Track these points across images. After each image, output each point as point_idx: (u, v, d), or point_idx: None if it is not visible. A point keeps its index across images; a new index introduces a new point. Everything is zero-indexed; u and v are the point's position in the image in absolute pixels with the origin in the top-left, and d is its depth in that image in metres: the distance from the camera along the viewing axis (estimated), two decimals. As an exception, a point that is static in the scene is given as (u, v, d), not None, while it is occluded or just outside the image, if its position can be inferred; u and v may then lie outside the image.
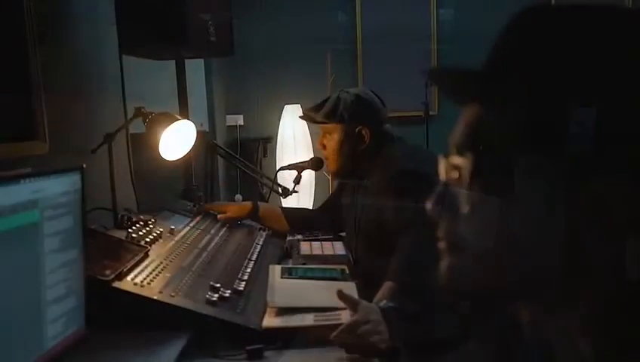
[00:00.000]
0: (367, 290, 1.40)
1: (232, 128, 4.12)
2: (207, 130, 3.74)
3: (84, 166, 1.00)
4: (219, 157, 2.47)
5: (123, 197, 1.92)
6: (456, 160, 0.51)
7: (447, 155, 0.54)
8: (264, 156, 4.12)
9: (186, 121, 1.69)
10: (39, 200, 0.86)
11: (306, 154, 3.80)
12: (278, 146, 3.96)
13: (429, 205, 0.53)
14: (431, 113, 3.61)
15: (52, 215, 0.90)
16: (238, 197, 3.94)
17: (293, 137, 3.86)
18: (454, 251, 0.52)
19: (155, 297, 1.16)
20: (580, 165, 0.44)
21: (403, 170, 1.50)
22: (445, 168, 0.53)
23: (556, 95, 0.45)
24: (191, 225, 1.70)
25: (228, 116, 4.14)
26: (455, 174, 0.51)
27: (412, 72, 3.67)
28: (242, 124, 4.12)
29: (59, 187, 0.92)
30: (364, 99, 1.66)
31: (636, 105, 0.44)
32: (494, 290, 0.52)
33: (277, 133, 3.97)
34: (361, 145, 1.66)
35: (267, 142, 4.12)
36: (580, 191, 0.45)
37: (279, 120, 3.94)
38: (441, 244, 0.53)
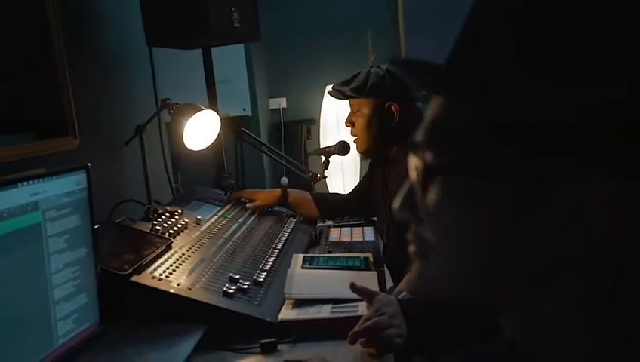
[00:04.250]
0: (399, 278, 1.36)
1: (276, 111, 4.13)
2: (250, 114, 3.76)
3: (89, 164, 1.01)
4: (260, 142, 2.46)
5: (158, 188, 1.96)
6: (416, 159, 0.47)
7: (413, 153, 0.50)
8: (308, 138, 4.10)
9: (208, 111, 1.68)
10: (40, 202, 0.88)
11: (350, 134, 3.74)
12: (321, 128, 3.93)
13: (395, 205, 0.49)
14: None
15: (55, 215, 0.91)
16: (284, 180, 3.95)
17: (336, 118, 3.81)
18: (421, 256, 0.48)
19: (171, 291, 1.16)
20: (548, 164, 0.39)
21: None
22: (411, 167, 0.49)
23: (520, 89, 0.40)
24: (219, 214, 1.70)
25: (271, 100, 4.14)
26: (416, 174, 0.47)
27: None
28: (285, 106, 4.11)
29: (61, 188, 0.93)
30: (396, 75, 1.59)
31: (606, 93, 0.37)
32: (466, 297, 0.48)
33: (320, 115, 3.93)
34: (391, 123, 1.59)
35: (311, 125, 4.09)
36: (549, 191, 0.39)
37: (322, 101, 3.90)
38: (411, 248, 0.49)
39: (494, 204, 0.41)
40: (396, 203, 0.49)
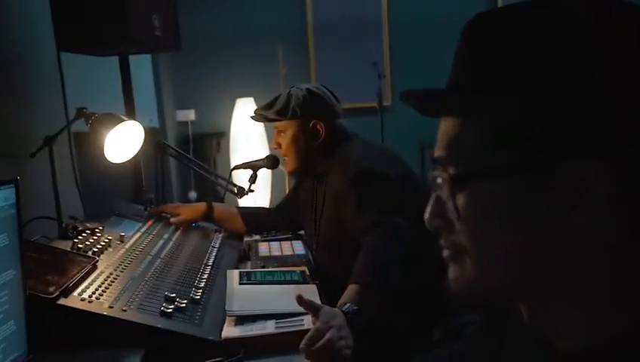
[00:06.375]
0: (329, 291, 1.37)
1: (184, 124, 4.00)
2: (157, 126, 3.61)
3: (19, 178, 0.92)
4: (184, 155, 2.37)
5: (68, 203, 1.81)
6: (440, 172, 0.52)
7: (434, 168, 0.55)
8: (218, 151, 4.02)
9: (132, 121, 1.60)
10: (-33, 219, 0.78)
11: (260, 148, 3.74)
12: (231, 141, 3.87)
13: (425, 217, 0.53)
14: (385, 104, 3.61)
15: (-17, 235, 0.82)
16: (192, 194, 3.83)
17: (247, 131, 3.78)
18: (456, 260, 0.53)
19: (104, 313, 1.08)
20: (552, 158, 0.45)
21: (362, 170, 1.47)
22: (435, 181, 0.54)
23: (522, 98, 0.46)
24: (142, 230, 1.62)
25: (179, 111, 4.01)
26: (441, 186, 0.52)
27: (365, 63, 3.72)
28: (194, 119, 4.00)
29: (-10, 203, 0.84)
30: (316, 94, 1.62)
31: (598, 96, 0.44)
32: (500, 292, 0.52)
33: (230, 128, 3.88)
34: (317, 141, 1.62)
35: (220, 138, 4.02)
36: (551, 177, 0.45)
37: (232, 114, 3.85)
38: (445, 253, 0.54)
39: (508, 201, 0.47)
40: (426, 214, 0.53)
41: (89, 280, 1.19)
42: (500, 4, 3.96)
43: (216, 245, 1.68)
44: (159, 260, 1.43)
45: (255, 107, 1.86)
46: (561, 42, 0.45)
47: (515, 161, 0.46)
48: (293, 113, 1.59)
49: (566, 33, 0.45)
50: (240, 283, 1.35)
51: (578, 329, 0.48)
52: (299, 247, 1.69)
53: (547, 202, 0.46)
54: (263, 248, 1.68)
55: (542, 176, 0.46)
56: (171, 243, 1.59)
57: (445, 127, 0.52)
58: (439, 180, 0.51)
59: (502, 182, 0.47)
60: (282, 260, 1.57)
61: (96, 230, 1.46)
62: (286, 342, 1.10)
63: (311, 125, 1.61)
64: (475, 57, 0.50)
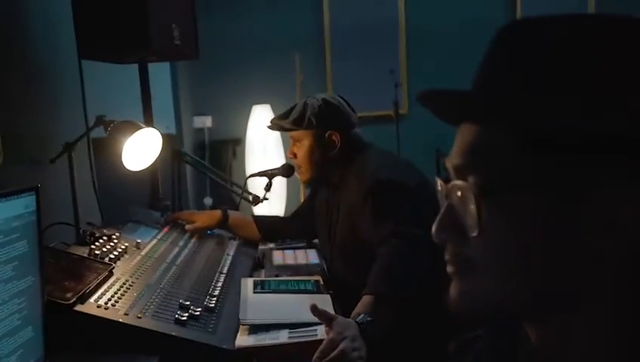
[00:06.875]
0: (343, 301, 1.37)
1: (200, 130, 4.03)
2: (174, 132, 3.64)
3: (39, 185, 0.94)
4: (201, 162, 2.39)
5: (86, 209, 1.84)
6: (458, 182, 0.48)
7: (445, 178, 0.52)
8: (234, 158, 4.05)
9: (150, 129, 1.62)
10: (-12, 226, 0.80)
11: (276, 154, 3.75)
12: (247, 148, 3.90)
13: (433, 229, 0.50)
14: (401, 112, 3.61)
15: (2, 241, 0.83)
16: (208, 200, 3.86)
17: (263, 138, 3.80)
18: (463, 275, 0.49)
19: (120, 320, 1.10)
20: (585, 173, 0.43)
21: (379, 180, 1.47)
22: (446, 191, 0.50)
23: (552, 104, 0.44)
24: (158, 237, 1.63)
25: (195, 118, 4.05)
26: (458, 196, 0.48)
27: (381, 71, 3.72)
28: (210, 125, 4.03)
29: (10, 211, 0.86)
30: (332, 104, 1.63)
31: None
32: (509, 311, 0.50)
33: (246, 135, 3.90)
34: (332, 151, 1.62)
35: (236, 144, 4.05)
36: (584, 200, 0.43)
37: (248, 121, 3.88)
38: (450, 268, 0.51)
39: (535, 217, 0.44)
40: (435, 225, 0.50)
41: (105, 286, 1.21)
42: (519, 11, 3.94)
43: (231, 253, 1.68)
44: (174, 267, 1.44)
45: (272, 114, 1.87)
46: (610, 52, 0.43)
47: (548, 173, 0.44)
48: (308, 123, 1.60)
49: (611, 44, 0.44)
50: (254, 292, 1.35)
51: (587, 356, 0.46)
52: (313, 256, 1.69)
53: (576, 221, 0.43)
54: (278, 256, 1.68)
55: (576, 192, 0.43)
56: (186, 250, 1.60)
57: (466, 133, 0.49)
58: (458, 192, 0.48)
59: (532, 196, 0.44)
60: (296, 269, 1.57)
61: (113, 236, 1.48)
62: (299, 351, 1.10)
63: (326, 135, 1.61)
64: (511, 62, 0.47)
